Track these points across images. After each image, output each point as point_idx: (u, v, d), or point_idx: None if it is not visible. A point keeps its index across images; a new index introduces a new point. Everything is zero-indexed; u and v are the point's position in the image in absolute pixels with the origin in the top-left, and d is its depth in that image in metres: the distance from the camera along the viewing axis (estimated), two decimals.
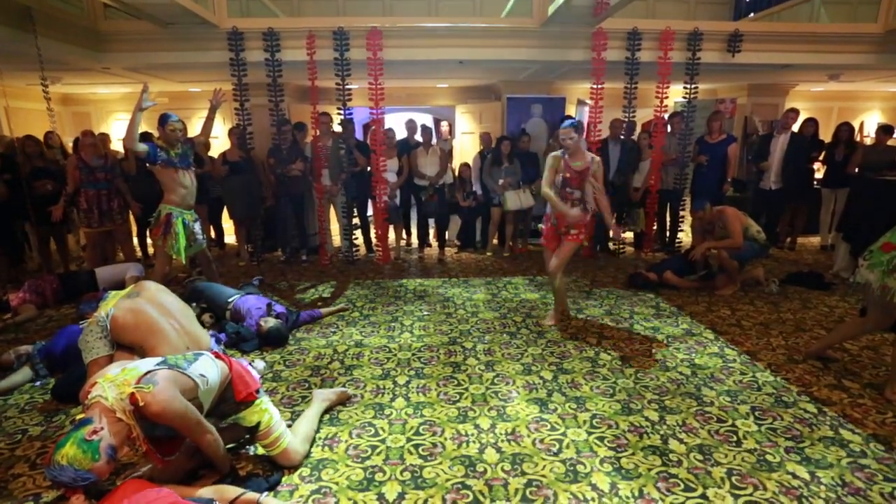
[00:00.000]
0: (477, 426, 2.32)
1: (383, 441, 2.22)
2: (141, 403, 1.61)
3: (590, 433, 2.25)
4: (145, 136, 4.28)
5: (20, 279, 4.55)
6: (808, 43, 5.25)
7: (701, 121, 5.97)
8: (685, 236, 6.16)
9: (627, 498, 1.84)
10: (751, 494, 1.85)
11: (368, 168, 5.38)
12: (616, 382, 2.73)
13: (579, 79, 6.55)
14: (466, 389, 2.67)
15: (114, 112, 7.43)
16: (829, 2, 6.19)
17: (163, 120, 3.58)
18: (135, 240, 5.50)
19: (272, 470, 2.01)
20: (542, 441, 2.20)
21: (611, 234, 3.67)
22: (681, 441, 2.18)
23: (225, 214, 5.98)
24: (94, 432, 1.53)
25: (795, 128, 5.58)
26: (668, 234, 5.87)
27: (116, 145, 6.05)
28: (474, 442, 2.20)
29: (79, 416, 1.63)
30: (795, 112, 5.44)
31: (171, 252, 3.63)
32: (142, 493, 1.53)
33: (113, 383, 1.65)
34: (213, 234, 6.12)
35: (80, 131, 4.75)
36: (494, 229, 6.07)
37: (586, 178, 3.31)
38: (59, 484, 1.50)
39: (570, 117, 3.45)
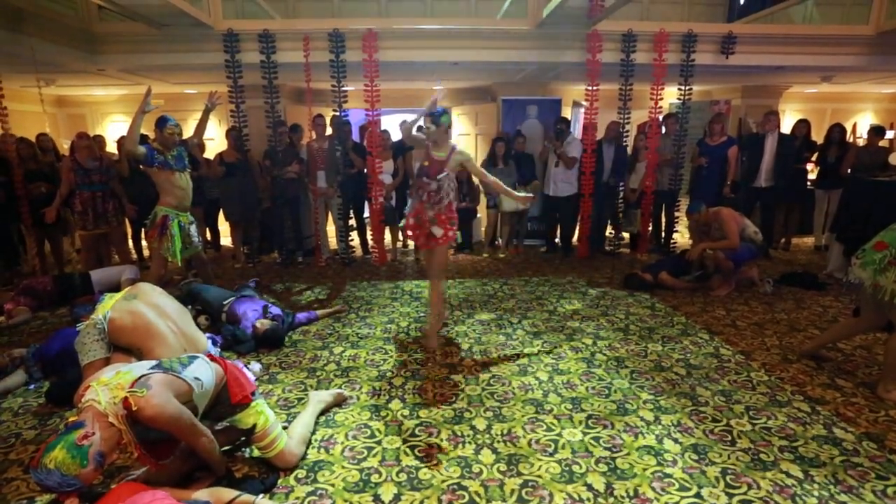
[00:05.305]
0: (473, 427, 2.32)
1: (379, 442, 2.22)
2: (134, 408, 1.60)
3: (585, 433, 2.26)
4: (141, 139, 4.27)
5: (15, 282, 4.53)
6: (801, 45, 5.29)
7: (696, 122, 5.99)
8: (680, 237, 6.18)
9: (622, 498, 1.85)
10: (745, 493, 1.86)
11: (364, 170, 5.38)
12: (612, 383, 2.74)
13: (575, 80, 6.58)
14: (462, 390, 2.67)
15: (109, 114, 7.41)
16: (822, 4, 6.24)
17: (161, 123, 3.57)
18: (130, 242, 5.48)
19: (268, 472, 2.01)
20: (537, 441, 2.20)
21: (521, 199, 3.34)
22: (676, 441, 2.19)
23: (221, 217, 5.97)
24: (85, 437, 1.52)
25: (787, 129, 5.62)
26: (663, 235, 5.90)
27: (113, 147, 6.03)
28: (470, 443, 2.20)
29: (71, 419, 1.62)
30: (775, 114, 5.48)
31: (166, 254, 3.63)
32: (137, 495, 1.52)
33: (106, 387, 1.64)
34: (209, 236, 6.10)
35: (75, 133, 4.74)
36: (490, 231, 6.08)
37: (444, 169, 3.09)
38: (44, 488, 1.49)
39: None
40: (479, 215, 6.37)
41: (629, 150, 5.63)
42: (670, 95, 6.19)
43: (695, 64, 5.20)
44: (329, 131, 5.39)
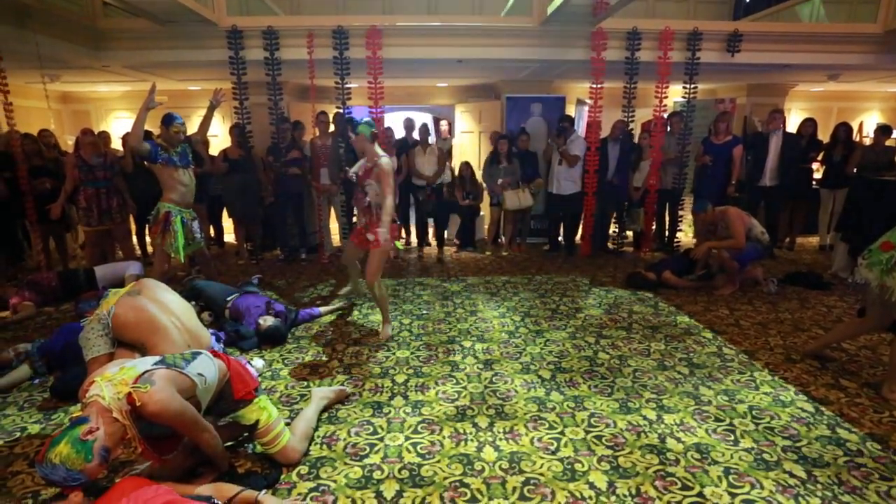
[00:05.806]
0: (475, 424, 2.33)
1: (381, 439, 2.22)
2: (138, 403, 1.61)
3: (588, 432, 2.26)
4: (145, 135, 4.29)
5: (19, 277, 4.55)
6: (808, 43, 5.25)
7: (700, 121, 5.95)
8: (684, 236, 6.16)
9: (625, 496, 1.85)
10: (748, 493, 1.86)
11: None
12: (614, 381, 2.74)
13: (579, 78, 6.56)
14: (465, 388, 2.68)
15: (113, 110, 7.42)
16: (829, 1, 6.19)
17: (167, 120, 3.57)
18: (134, 238, 5.50)
19: (270, 468, 2.01)
20: (540, 440, 2.20)
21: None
22: (678, 440, 2.19)
23: (224, 213, 5.98)
24: (90, 432, 1.52)
25: (793, 128, 5.57)
26: (666, 233, 5.88)
27: (116, 143, 6.04)
28: (472, 440, 2.20)
29: (75, 414, 1.63)
30: (780, 113, 5.44)
31: (169, 250, 3.64)
32: (140, 490, 1.53)
33: (110, 382, 1.65)
34: (212, 232, 6.12)
35: (79, 129, 4.75)
36: (493, 228, 6.07)
37: (370, 179, 3.20)
38: (49, 482, 1.50)
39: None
40: (482, 213, 6.36)
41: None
42: (675, 94, 6.16)
43: (700, 62, 5.17)
44: (332, 128, 5.38)
